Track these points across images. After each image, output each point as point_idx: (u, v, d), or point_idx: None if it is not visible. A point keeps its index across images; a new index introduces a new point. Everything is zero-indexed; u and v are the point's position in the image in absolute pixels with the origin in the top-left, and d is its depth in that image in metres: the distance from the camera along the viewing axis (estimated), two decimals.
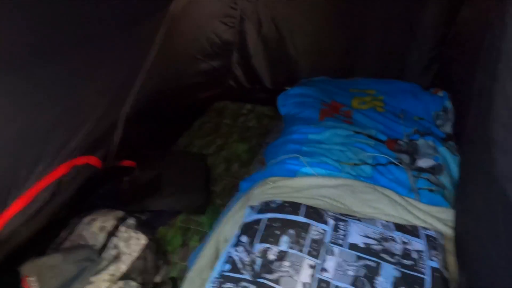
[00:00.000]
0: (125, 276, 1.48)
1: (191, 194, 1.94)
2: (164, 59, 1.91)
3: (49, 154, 1.52)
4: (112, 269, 1.44)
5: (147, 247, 1.57)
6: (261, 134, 2.57)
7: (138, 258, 1.53)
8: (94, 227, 1.53)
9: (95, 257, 1.42)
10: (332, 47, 2.65)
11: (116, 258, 1.47)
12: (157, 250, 1.67)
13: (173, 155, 2.29)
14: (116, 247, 1.49)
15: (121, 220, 1.57)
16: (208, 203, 2.01)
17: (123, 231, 1.54)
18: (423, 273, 1.29)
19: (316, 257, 1.34)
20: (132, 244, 1.54)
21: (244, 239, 1.41)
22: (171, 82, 2.15)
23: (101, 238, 1.50)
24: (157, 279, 1.62)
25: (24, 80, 1.42)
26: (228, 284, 1.28)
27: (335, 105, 2.38)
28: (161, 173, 2.00)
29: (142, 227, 1.62)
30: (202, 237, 1.81)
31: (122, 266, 1.48)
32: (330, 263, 1.32)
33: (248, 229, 1.45)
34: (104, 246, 1.48)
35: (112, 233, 1.52)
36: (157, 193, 1.92)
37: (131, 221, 1.60)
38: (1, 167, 1.38)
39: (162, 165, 2.06)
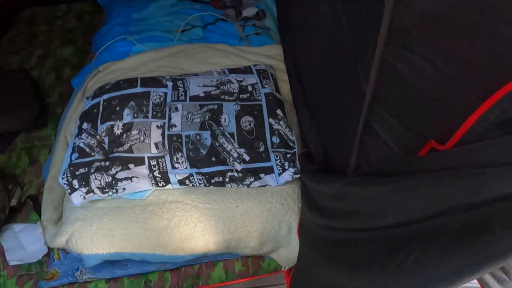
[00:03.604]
0: None
1: (21, 110, 1.73)
2: None
3: None
4: None
5: None
6: (86, 32, 2.33)
7: None
8: None
9: None
10: None
11: None
12: (3, 176, 1.51)
13: None
14: None
15: None
16: (46, 114, 1.84)
17: None
18: (259, 100, 1.43)
19: (161, 118, 1.36)
20: None
21: (86, 125, 1.35)
22: None
23: None
24: (13, 202, 1.50)
25: None
26: (81, 170, 1.24)
27: None
28: None
29: None
30: (51, 149, 1.68)
31: None
32: (176, 118, 1.36)
33: (87, 115, 1.38)
34: None
35: None
36: None
37: None
38: None
39: None
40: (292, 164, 1.27)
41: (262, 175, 1.28)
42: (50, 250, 1.39)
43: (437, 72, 0.58)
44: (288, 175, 1.26)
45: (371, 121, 0.78)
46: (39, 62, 2.16)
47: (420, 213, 0.58)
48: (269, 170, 1.29)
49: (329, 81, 0.95)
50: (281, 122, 1.38)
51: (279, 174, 1.28)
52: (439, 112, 0.59)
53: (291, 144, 1.34)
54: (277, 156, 1.30)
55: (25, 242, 1.41)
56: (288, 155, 1.30)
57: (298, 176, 1.25)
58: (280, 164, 1.29)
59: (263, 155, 1.31)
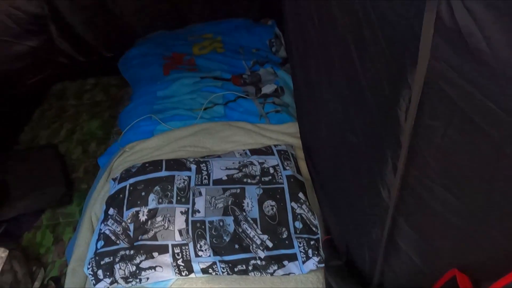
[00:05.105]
0: None
1: (48, 188, 1.79)
2: None
3: None
4: None
5: (11, 258, 1.43)
6: (112, 106, 2.45)
7: (3, 272, 1.39)
8: None
9: None
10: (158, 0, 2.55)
11: None
12: (26, 257, 1.53)
13: (15, 155, 2.04)
14: None
15: None
16: (72, 191, 1.89)
17: None
18: (281, 183, 1.45)
19: (185, 203, 1.38)
20: None
21: (112, 211, 1.38)
22: None
23: None
24: (36, 285, 1.51)
25: None
26: (106, 259, 1.25)
27: (177, 57, 2.36)
28: (4, 178, 1.77)
29: None
30: (76, 227, 1.71)
31: None
32: (200, 203, 1.38)
33: (113, 200, 1.42)
34: None
35: None
36: (6, 201, 1.72)
37: None
38: None
39: (4, 170, 1.83)
40: (316, 252, 1.26)
41: (285, 262, 1.27)
42: None
43: (458, 201, 0.59)
44: (312, 263, 1.24)
45: (394, 233, 0.78)
46: (67, 136, 2.26)
47: None
48: (292, 258, 1.28)
49: (344, 178, 0.97)
50: (303, 206, 1.38)
51: (303, 262, 1.26)
52: (461, 240, 0.59)
53: (314, 229, 1.34)
54: (300, 243, 1.29)
55: None
56: (312, 242, 1.29)
57: (322, 265, 1.24)
58: (303, 251, 1.28)
59: (286, 241, 1.30)
